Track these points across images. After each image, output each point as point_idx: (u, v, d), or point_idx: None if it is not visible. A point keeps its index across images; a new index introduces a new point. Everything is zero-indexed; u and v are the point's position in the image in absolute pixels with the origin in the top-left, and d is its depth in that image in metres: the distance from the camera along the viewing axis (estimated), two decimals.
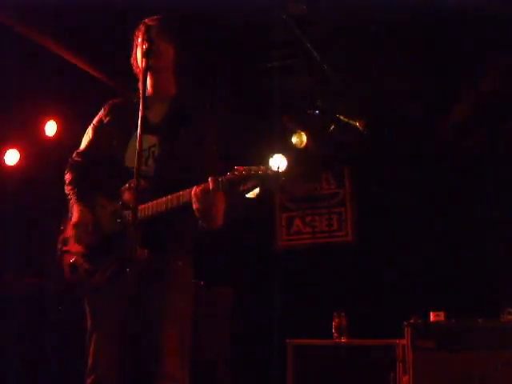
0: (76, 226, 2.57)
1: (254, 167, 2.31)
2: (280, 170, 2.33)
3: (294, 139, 5.36)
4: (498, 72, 4.53)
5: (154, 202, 2.45)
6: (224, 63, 4.66)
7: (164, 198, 2.44)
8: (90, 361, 2.52)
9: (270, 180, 2.30)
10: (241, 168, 2.31)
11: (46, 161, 5.14)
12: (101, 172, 2.70)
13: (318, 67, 4.61)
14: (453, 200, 5.09)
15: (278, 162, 5.12)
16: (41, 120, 5.29)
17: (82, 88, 4.79)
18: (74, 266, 2.59)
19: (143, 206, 2.44)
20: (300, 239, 5.92)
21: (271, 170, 2.30)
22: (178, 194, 2.41)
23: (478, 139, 4.97)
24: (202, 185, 2.34)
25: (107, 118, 2.77)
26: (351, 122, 5.17)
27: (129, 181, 2.51)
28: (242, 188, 2.32)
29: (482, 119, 4.90)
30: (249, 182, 2.30)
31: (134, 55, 2.73)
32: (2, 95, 4.61)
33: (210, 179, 2.32)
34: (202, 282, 4.76)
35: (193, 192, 2.35)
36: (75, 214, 2.60)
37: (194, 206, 2.35)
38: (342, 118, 5.18)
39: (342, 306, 4.79)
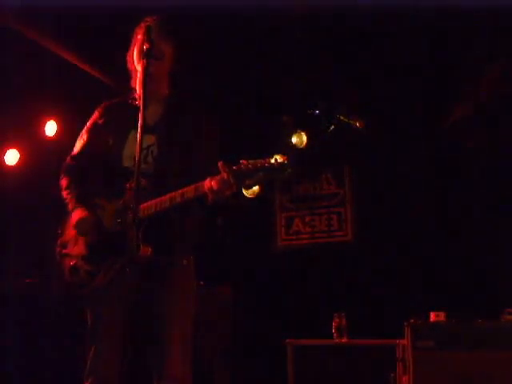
0: (78, 222, 2.55)
1: (259, 160, 2.28)
2: (286, 162, 2.28)
3: (294, 139, 5.35)
4: (498, 72, 4.53)
5: (158, 199, 2.45)
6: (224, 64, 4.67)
7: (168, 195, 2.43)
8: (89, 362, 2.52)
9: (277, 172, 2.27)
10: (245, 162, 2.29)
11: (46, 161, 5.13)
12: (98, 173, 2.69)
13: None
14: (453, 200, 5.09)
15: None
16: (41, 120, 5.29)
17: (82, 88, 4.79)
18: (74, 268, 2.58)
19: (146, 204, 2.44)
20: (299, 239, 5.91)
21: (277, 162, 2.26)
22: (181, 190, 2.41)
23: (478, 139, 4.97)
24: (217, 176, 2.33)
25: (102, 120, 2.77)
26: (351, 122, 5.16)
27: (128, 180, 2.51)
28: (247, 182, 2.30)
29: (482, 119, 4.89)
30: (255, 175, 2.28)
31: (131, 52, 2.73)
32: (2, 95, 4.61)
33: (222, 168, 2.30)
34: (202, 282, 4.76)
35: (209, 185, 2.35)
36: (76, 213, 2.58)
37: (215, 197, 2.35)
38: (341, 118, 5.17)
39: (342, 306, 4.79)
